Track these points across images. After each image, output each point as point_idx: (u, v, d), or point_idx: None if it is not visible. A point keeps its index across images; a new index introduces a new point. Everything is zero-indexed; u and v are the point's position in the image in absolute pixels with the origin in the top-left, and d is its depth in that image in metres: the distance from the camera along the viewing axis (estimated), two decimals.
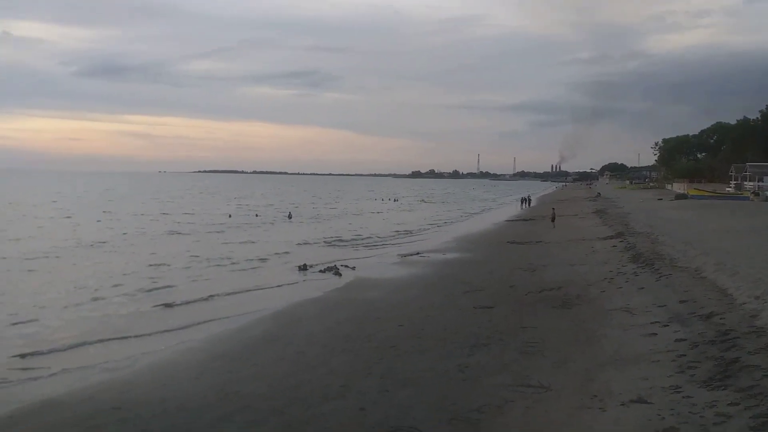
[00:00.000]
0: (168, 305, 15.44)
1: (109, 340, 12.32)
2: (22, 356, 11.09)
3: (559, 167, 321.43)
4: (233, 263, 22.96)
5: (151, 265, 21.84)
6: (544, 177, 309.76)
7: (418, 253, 25.14)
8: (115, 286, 17.86)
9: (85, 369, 10.53)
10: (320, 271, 20.94)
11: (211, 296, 16.70)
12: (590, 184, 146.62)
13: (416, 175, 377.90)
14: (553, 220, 35.80)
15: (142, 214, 48.52)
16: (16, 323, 13.46)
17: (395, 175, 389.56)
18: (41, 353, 11.31)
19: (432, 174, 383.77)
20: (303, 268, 21.55)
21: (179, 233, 34.23)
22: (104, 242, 28.76)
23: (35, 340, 12.19)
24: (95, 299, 16.03)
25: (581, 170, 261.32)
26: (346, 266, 21.58)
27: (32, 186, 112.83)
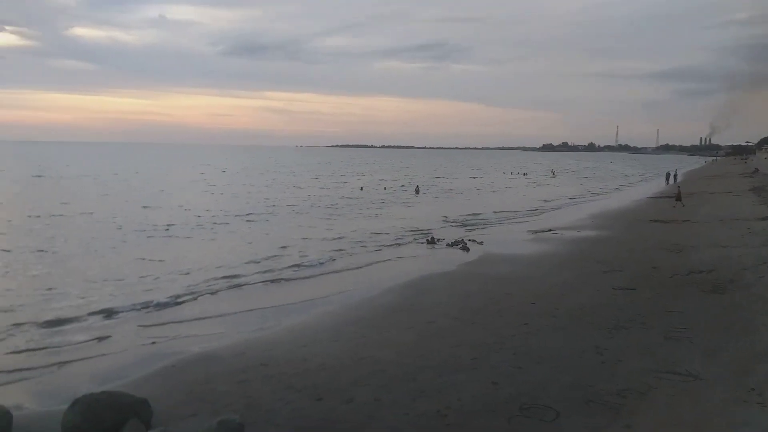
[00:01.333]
0: (307, 278, 16.40)
1: (263, 309, 13.20)
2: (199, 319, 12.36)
3: (709, 140, 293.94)
4: (365, 236, 23.66)
5: (304, 238, 22.87)
6: (691, 151, 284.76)
7: (550, 230, 24.29)
8: (270, 257, 18.92)
9: (236, 325, 11.56)
10: (448, 245, 20.96)
11: (346, 269, 17.46)
12: (746, 159, 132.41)
13: (547, 148, 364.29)
14: (678, 199, 32.68)
15: (284, 187, 51.42)
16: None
17: (524, 149, 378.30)
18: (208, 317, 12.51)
19: (565, 147, 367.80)
20: (431, 241, 21.71)
21: (318, 206, 35.66)
22: (250, 214, 30.41)
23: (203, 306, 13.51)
24: (263, 271, 16.92)
25: (735, 143, 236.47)
26: (474, 241, 21.41)
27: (190, 158, 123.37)
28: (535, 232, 24.17)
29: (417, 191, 48.93)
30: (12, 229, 24.01)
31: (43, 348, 10.35)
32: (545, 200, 41.88)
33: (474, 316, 11.39)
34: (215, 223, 26.43)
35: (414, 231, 25.17)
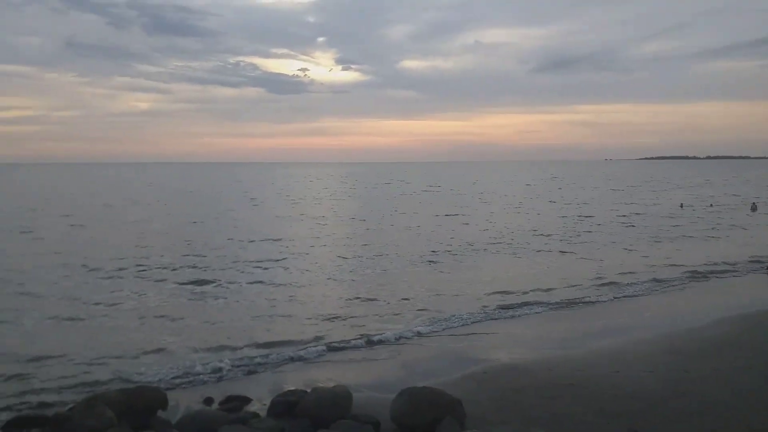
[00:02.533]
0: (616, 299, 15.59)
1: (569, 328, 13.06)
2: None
3: None
4: (688, 260, 21.28)
5: (620, 264, 21.94)
6: None
7: None
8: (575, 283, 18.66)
9: (542, 341, 11.60)
10: None
11: (659, 291, 16.03)
12: None
13: None
14: None
15: (590, 203, 49.60)
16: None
17: None
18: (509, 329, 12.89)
19: None
20: None
21: (631, 225, 33.32)
22: (550, 235, 28.74)
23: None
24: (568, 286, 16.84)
25: None
26: None
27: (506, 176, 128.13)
28: None
29: (753, 209, 41.96)
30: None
31: (381, 342, 11.90)
32: None
33: None
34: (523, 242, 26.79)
35: (752, 259, 21.49)
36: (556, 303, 14.89)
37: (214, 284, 16.90)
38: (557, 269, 19.50)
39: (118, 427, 7.32)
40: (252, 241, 25.67)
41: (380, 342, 11.79)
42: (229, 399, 8.85)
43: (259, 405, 8.64)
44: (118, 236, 27.65)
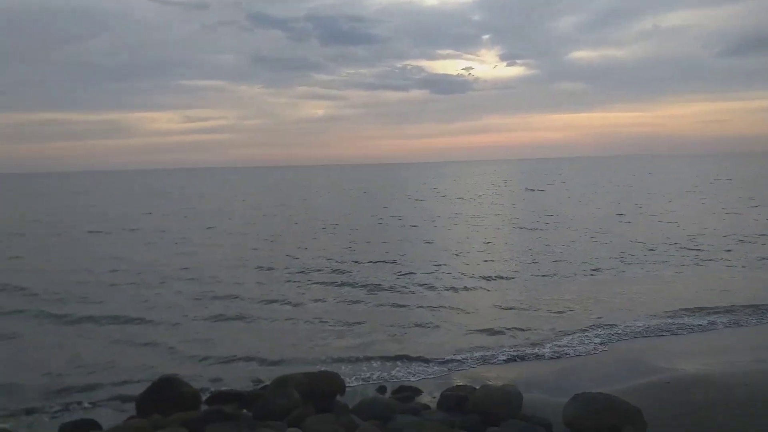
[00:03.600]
0: None
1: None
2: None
3: None
4: None
5: None
6: None
7: None
8: None
9: (735, 353, 10.48)
10: None
11: None
12: None
13: None
14: None
15: None
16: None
17: None
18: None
19: None
20: None
21: None
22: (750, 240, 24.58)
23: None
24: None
25: None
26: None
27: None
28: None
29: None
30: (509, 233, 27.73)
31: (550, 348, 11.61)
32: None
33: None
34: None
35: None
36: (748, 312, 13.34)
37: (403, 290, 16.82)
38: (754, 279, 17.32)
39: (303, 408, 8.01)
40: (427, 242, 26.16)
41: (549, 348, 11.46)
42: (401, 389, 9.24)
43: (429, 398, 8.91)
44: (297, 235, 29.91)
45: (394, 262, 20.63)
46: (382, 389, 9.37)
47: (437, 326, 12.90)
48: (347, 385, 9.08)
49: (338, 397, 8.68)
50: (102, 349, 11.69)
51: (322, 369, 9.69)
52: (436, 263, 20.28)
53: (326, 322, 13.43)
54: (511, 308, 14.25)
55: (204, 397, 8.87)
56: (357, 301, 15.32)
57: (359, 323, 13.24)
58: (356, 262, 20.75)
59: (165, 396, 8.40)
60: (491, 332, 12.36)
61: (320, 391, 8.54)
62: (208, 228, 33.26)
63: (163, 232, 31.49)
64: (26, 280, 18.54)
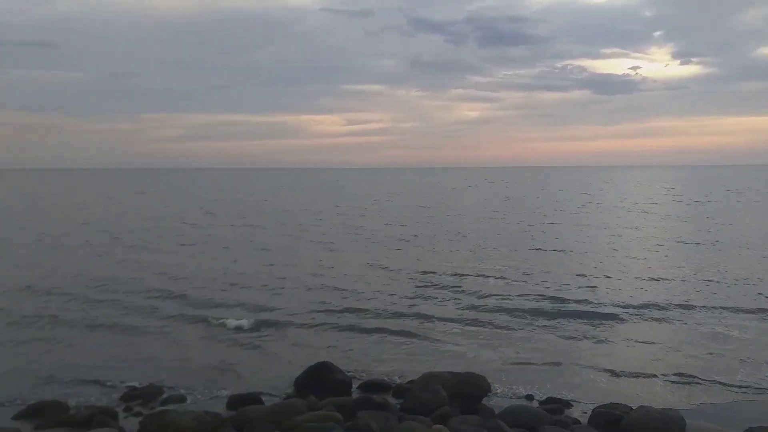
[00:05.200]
0: None
1: None
2: None
3: None
4: None
5: None
6: None
7: None
8: None
9: None
10: None
11: None
12: None
13: None
14: None
15: None
16: None
17: None
18: None
19: None
20: None
21: None
22: None
23: None
24: None
25: None
26: None
27: None
28: None
29: None
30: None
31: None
32: None
33: None
34: None
35: None
36: None
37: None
38: None
39: (449, 406, 8.11)
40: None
41: (727, 375, 10.33)
42: (550, 400, 8.95)
43: (579, 412, 8.51)
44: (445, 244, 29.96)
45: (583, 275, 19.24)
46: (529, 398, 9.16)
47: (603, 341, 12.16)
48: (494, 392, 9.03)
49: (484, 401, 8.65)
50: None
51: (469, 371, 9.68)
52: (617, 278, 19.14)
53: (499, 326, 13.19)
54: (688, 340, 12.82)
55: (355, 385, 9.35)
56: (528, 310, 14.57)
57: (512, 329, 12.96)
58: (526, 273, 19.79)
59: (321, 380, 8.98)
60: (666, 352, 11.48)
61: (466, 392, 8.58)
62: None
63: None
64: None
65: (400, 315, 14.06)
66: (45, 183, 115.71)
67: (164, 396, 9.08)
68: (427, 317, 13.85)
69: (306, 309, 14.55)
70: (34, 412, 8.34)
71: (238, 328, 12.83)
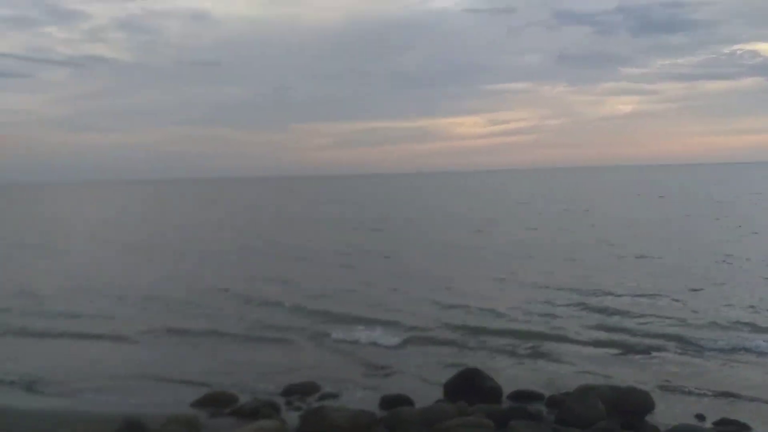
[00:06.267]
0: None
1: None
2: None
3: None
4: None
5: None
6: None
7: None
8: None
9: None
10: None
11: None
12: None
13: None
14: None
15: None
16: None
17: None
18: None
19: None
20: None
21: None
22: None
23: None
24: None
25: None
26: None
27: None
28: None
29: None
30: None
31: None
32: None
33: None
34: None
35: None
36: None
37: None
38: None
39: (607, 421, 7.63)
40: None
41: None
42: (724, 421, 8.08)
43: None
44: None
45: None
46: (700, 417, 8.34)
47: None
48: (658, 409, 8.32)
49: (647, 417, 8.05)
50: None
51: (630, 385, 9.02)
52: None
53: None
54: None
55: (504, 393, 9.12)
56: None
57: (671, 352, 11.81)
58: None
59: (471, 386, 8.91)
60: None
61: (626, 407, 8.04)
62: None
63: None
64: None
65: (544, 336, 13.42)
66: (243, 192, 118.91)
67: (320, 392, 9.55)
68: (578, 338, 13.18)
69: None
70: (208, 401, 9.20)
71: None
